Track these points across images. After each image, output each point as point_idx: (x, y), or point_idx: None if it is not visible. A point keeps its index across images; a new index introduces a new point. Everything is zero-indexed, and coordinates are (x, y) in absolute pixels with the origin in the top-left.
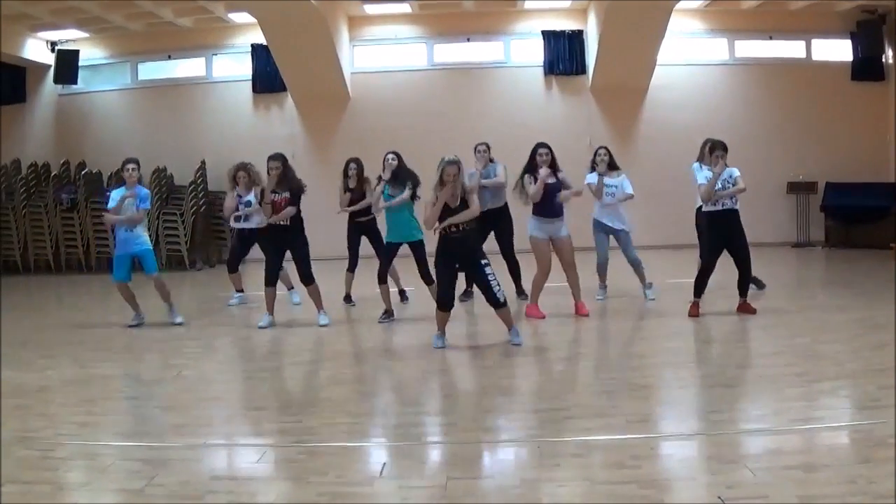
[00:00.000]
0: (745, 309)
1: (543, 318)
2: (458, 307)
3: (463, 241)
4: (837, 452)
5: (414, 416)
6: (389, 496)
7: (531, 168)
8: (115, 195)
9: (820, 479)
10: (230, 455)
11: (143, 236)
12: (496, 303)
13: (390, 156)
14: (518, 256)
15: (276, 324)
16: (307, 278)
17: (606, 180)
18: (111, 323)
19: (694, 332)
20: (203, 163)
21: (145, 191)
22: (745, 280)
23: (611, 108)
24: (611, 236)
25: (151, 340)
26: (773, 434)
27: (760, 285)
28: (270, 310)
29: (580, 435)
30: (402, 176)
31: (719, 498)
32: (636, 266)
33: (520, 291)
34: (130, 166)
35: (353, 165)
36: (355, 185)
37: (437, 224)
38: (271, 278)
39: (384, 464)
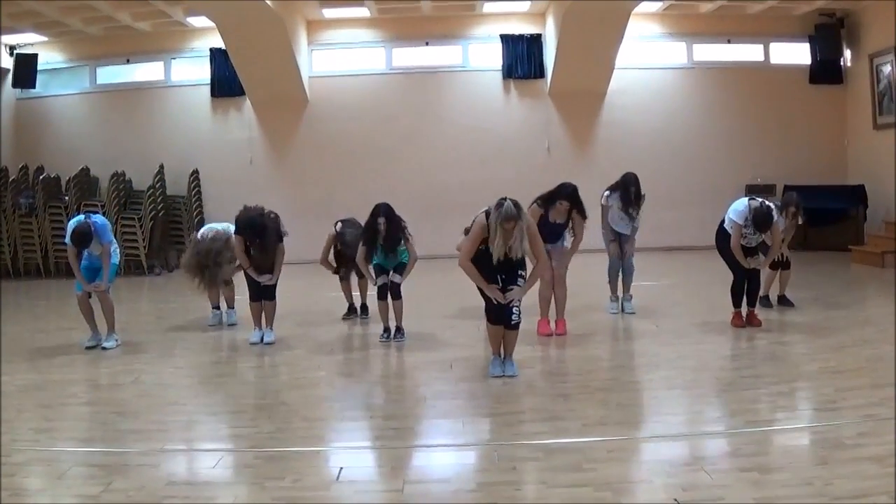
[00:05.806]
0: (750, 320)
1: (550, 335)
2: (419, 312)
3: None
4: (794, 454)
5: (370, 420)
6: (346, 500)
7: (549, 200)
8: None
9: (776, 480)
10: (187, 460)
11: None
12: (508, 323)
13: (381, 220)
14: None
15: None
16: (271, 296)
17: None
18: (69, 328)
19: (650, 335)
20: (161, 167)
21: (101, 221)
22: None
23: (569, 112)
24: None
25: None
26: (730, 436)
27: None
28: (258, 324)
29: (536, 438)
30: (394, 234)
31: (675, 500)
32: (628, 274)
33: None
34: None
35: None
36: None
37: (468, 262)
38: (254, 294)
39: (341, 468)
